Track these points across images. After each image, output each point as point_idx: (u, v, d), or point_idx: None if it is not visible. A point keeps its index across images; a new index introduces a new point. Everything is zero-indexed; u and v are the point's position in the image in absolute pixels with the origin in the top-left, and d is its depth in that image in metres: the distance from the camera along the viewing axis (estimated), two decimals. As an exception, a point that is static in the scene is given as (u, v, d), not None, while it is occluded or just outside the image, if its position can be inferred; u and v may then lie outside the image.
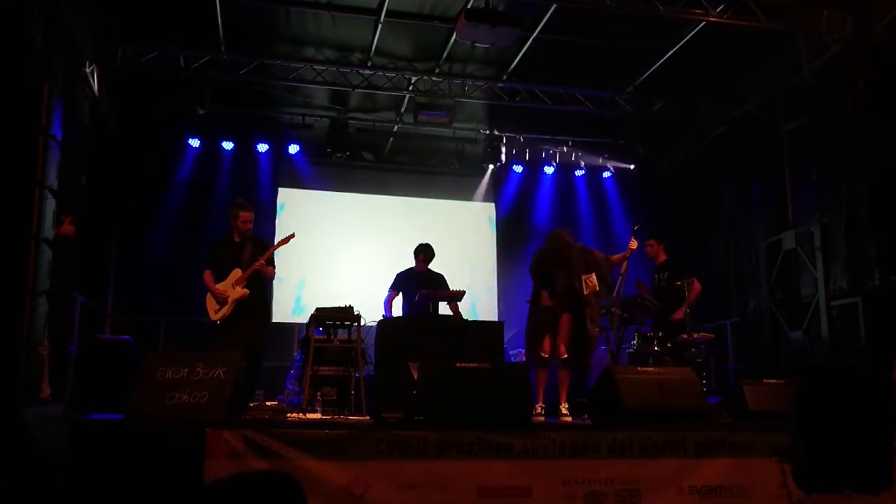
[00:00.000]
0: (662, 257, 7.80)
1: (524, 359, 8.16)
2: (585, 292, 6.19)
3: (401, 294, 7.80)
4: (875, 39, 7.45)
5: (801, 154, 8.57)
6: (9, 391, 4.19)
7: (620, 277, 6.60)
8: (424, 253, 7.79)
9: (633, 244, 6.55)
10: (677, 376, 5.42)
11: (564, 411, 6.02)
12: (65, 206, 5.62)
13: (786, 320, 8.60)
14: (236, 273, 6.35)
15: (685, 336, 6.99)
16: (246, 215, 6.50)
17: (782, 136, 8.85)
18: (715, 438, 4.82)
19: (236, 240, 6.54)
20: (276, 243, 6.64)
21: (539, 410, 6.01)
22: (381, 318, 7.34)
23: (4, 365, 4.20)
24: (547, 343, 6.19)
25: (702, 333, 7.47)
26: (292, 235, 6.66)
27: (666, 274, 7.49)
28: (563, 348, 6.17)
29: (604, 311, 7.02)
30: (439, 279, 7.82)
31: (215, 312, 6.29)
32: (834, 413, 1.54)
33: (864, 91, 7.45)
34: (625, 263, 6.59)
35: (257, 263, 6.32)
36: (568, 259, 6.31)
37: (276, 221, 10.49)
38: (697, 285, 7.18)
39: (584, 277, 6.21)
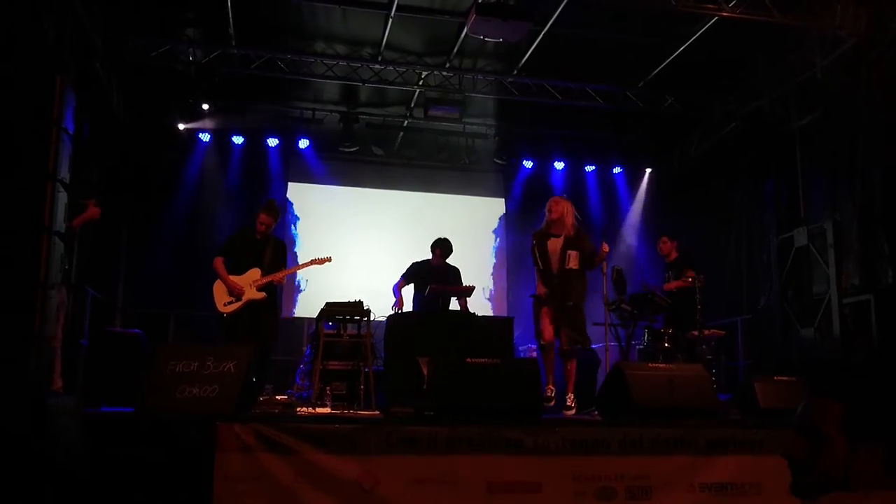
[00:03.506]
0: (674, 255, 7.76)
1: (535, 354, 8.17)
2: (567, 266, 6.17)
3: (412, 286, 7.75)
4: (889, 34, 7.38)
5: (813, 150, 8.51)
6: (21, 384, 4.21)
7: (604, 278, 6.57)
8: (441, 248, 7.75)
9: (605, 247, 6.43)
10: (688, 373, 5.40)
11: (570, 402, 6.00)
12: (84, 194, 5.65)
13: (797, 317, 8.55)
14: (255, 273, 6.34)
15: (696, 333, 6.97)
16: (263, 218, 6.48)
17: (795, 132, 8.79)
18: (726, 435, 4.81)
19: (257, 237, 6.52)
20: (310, 260, 6.68)
21: (549, 394, 5.98)
22: (391, 312, 7.33)
23: (17, 358, 4.22)
24: (545, 330, 6.12)
25: (712, 330, 7.45)
26: (328, 259, 6.67)
27: (674, 273, 7.45)
28: (564, 339, 6.09)
29: (613, 307, 7.01)
30: (454, 273, 7.78)
31: (224, 304, 6.28)
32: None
33: (879, 86, 7.39)
34: (604, 265, 6.50)
35: (279, 276, 6.35)
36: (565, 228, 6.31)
37: (286, 216, 10.51)
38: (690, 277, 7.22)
39: (569, 253, 6.21)
